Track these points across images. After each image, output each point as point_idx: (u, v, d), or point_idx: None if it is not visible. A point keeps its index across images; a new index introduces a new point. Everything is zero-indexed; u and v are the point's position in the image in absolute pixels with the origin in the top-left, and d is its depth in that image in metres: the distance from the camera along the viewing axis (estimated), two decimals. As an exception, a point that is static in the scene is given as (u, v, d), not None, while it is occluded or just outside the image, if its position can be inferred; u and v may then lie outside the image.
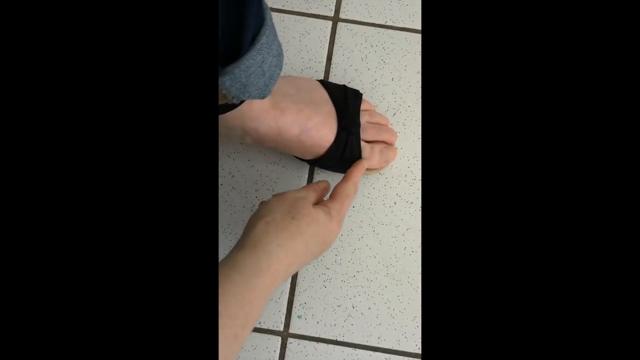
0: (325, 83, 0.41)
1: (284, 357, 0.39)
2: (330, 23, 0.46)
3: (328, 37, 0.46)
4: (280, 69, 0.32)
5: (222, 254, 0.41)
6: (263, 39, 0.28)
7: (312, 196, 0.34)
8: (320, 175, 0.43)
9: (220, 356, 0.25)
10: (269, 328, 0.39)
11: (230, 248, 0.41)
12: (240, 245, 0.30)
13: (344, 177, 0.37)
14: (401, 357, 0.39)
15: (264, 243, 0.29)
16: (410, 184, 0.43)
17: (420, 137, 0.44)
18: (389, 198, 0.42)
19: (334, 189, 0.36)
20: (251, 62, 0.28)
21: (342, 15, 0.47)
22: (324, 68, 0.45)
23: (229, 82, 0.28)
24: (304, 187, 0.35)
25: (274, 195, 0.34)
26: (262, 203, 0.33)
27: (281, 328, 0.40)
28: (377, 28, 0.46)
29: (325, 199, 0.37)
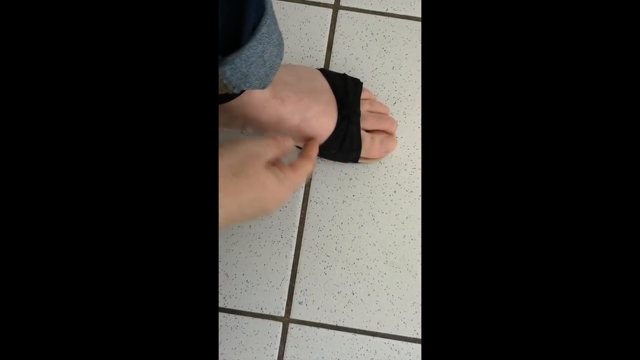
0: (325, 72, 0.41)
1: (285, 342, 0.40)
2: (330, 11, 0.46)
3: (328, 25, 0.46)
4: (281, 59, 0.32)
5: (222, 243, 0.42)
6: (264, 29, 0.28)
7: (270, 153, 0.30)
8: (321, 164, 0.43)
9: None
10: (271, 314, 0.40)
11: (232, 236, 0.42)
12: None
13: (302, 155, 0.35)
14: (400, 342, 0.40)
15: None
16: (410, 173, 0.43)
17: (420, 126, 0.44)
18: (389, 187, 0.43)
19: (295, 163, 0.33)
20: (252, 52, 0.28)
21: (342, 3, 0.46)
22: (324, 56, 0.45)
23: (229, 72, 0.29)
24: (265, 139, 0.30)
25: (227, 141, 0.29)
26: None
27: (282, 314, 0.40)
28: (378, 16, 0.46)
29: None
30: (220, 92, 0.31)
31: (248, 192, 0.28)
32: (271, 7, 0.29)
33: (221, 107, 0.34)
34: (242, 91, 0.32)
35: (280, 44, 0.31)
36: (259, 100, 0.35)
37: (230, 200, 0.28)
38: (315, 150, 0.36)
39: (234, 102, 0.34)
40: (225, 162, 0.28)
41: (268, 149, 0.30)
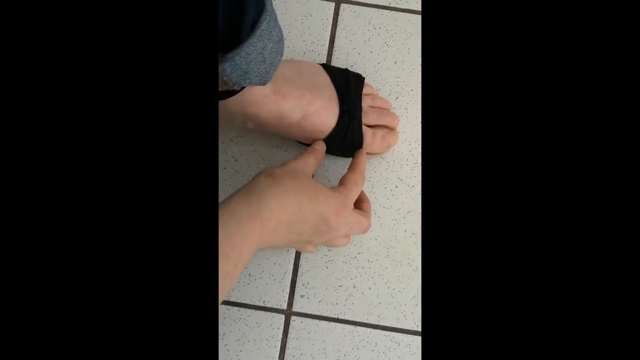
0: (327, 67, 0.41)
1: (287, 334, 0.40)
2: (333, 5, 0.46)
3: (331, 20, 0.46)
4: (281, 56, 0.32)
5: (227, 236, 0.42)
6: (263, 25, 0.28)
7: (311, 166, 0.34)
8: (323, 159, 0.43)
9: None
10: (273, 307, 0.41)
11: (235, 230, 0.42)
12: (237, 191, 0.31)
13: (350, 167, 0.37)
14: (400, 335, 0.40)
15: (258, 190, 0.30)
16: (412, 168, 0.43)
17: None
18: (390, 182, 0.43)
19: (341, 179, 0.36)
20: (251, 49, 0.29)
21: (344, -3, 0.46)
22: (326, 51, 0.45)
23: (229, 69, 0.29)
24: (301, 155, 0.35)
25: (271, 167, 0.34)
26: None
27: (285, 307, 0.41)
28: (381, 10, 0.46)
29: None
30: (220, 89, 0.31)
31: (305, 192, 0.31)
32: (271, 3, 0.29)
33: (222, 103, 0.35)
34: (243, 87, 0.33)
35: (280, 41, 0.31)
36: (260, 96, 0.35)
37: (291, 198, 0.30)
38: (361, 163, 0.37)
39: (234, 99, 0.34)
40: (283, 170, 0.31)
41: (308, 162, 0.34)
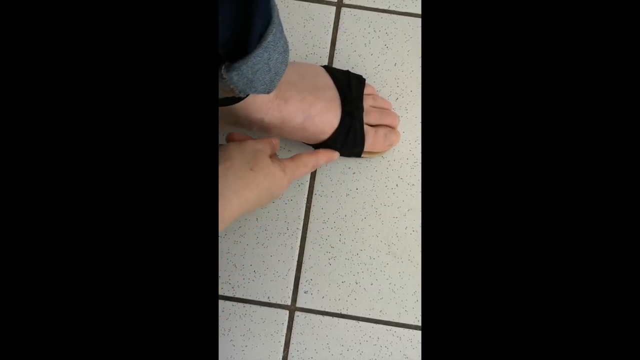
0: (329, 69, 0.42)
1: (291, 329, 0.42)
2: (334, 9, 0.47)
3: (332, 23, 0.46)
4: (286, 66, 0.33)
5: (230, 235, 0.43)
6: (270, 37, 0.29)
7: (268, 149, 0.35)
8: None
9: None
10: (277, 303, 0.42)
11: (239, 229, 0.43)
12: None
13: (312, 151, 0.39)
14: (401, 329, 0.42)
15: (220, 188, 0.30)
16: (412, 167, 0.44)
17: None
18: (391, 180, 0.44)
19: (296, 155, 0.37)
20: (258, 60, 0.29)
21: (345, 1, 0.47)
22: (328, 54, 0.46)
23: (236, 78, 0.30)
24: (260, 139, 0.36)
25: (232, 143, 0.34)
26: (221, 147, 0.33)
27: (289, 303, 0.42)
28: (381, 13, 0.47)
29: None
30: (227, 95, 0.32)
31: (264, 183, 0.33)
32: (278, 15, 0.30)
33: (227, 109, 0.36)
34: (248, 95, 0.33)
35: (285, 51, 0.32)
36: (263, 102, 0.36)
37: (252, 192, 0.32)
38: (322, 157, 0.39)
39: (239, 105, 0.35)
40: (241, 159, 0.32)
41: (266, 147, 0.35)
